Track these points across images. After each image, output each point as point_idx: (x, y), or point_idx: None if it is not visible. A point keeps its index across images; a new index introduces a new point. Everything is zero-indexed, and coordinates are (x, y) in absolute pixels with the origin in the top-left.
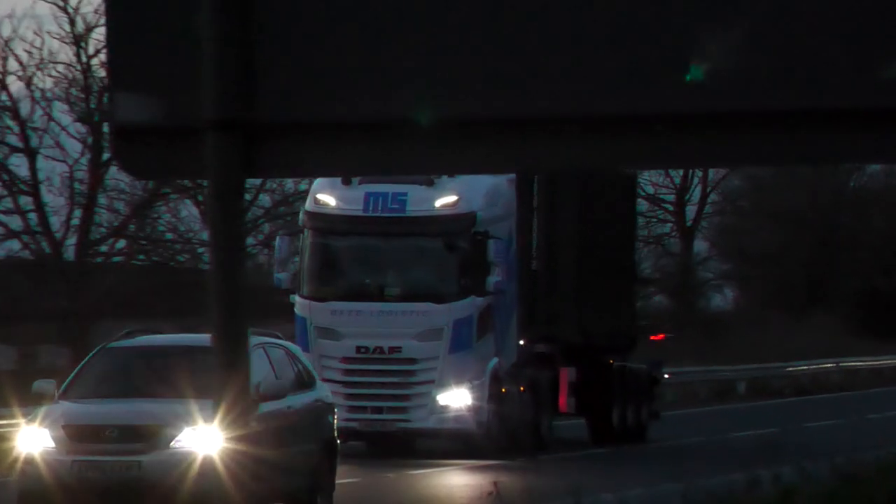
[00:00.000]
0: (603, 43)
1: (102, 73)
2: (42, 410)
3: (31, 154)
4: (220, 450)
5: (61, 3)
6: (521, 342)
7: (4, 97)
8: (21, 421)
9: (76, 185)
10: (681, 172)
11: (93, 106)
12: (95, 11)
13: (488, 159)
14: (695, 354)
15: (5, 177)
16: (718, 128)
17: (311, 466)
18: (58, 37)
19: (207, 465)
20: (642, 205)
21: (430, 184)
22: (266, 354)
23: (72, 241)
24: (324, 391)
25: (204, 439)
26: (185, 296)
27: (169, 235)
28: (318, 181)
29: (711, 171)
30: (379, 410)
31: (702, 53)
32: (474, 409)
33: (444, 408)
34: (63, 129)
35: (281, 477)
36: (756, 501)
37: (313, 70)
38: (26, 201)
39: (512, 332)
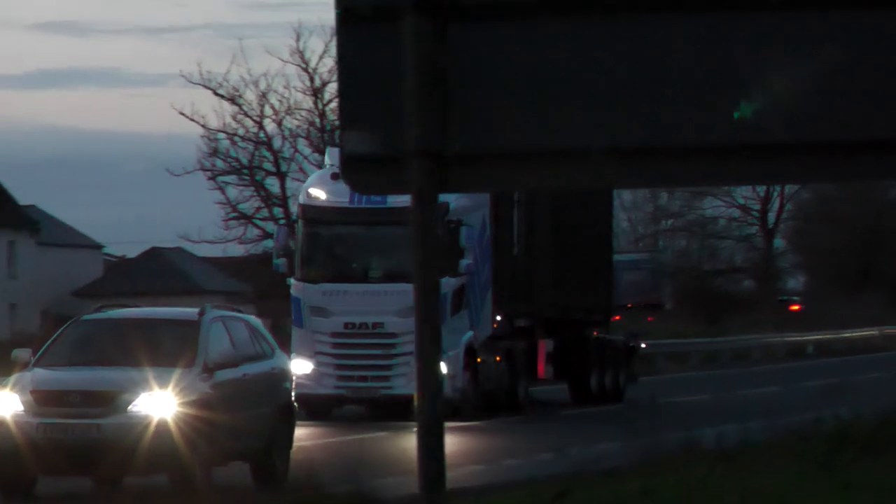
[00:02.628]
0: (674, 89)
1: (334, 116)
2: (14, 377)
3: (282, 176)
4: (173, 414)
5: (303, 65)
6: (500, 317)
7: (262, 135)
8: None
9: None
10: (765, 187)
11: (327, 140)
12: (329, 71)
13: (614, 179)
14: (774, 323)
15: (262, 193)
16: (768, 153)
17: (267, 428)
18: (301, 90)
19: (162, 427)
20: (735, 211)
21: None
22: (224, 327)
23: None
24: (281, 360)
25: (159, 404)
26: None
27: None
28: (311, 177)
29: (787, 187)
30: (364, 379)
31: (749, 95)
32: (449, 377)
33: None
34: (305, 157)
35: (238, 438)
36: (821, 434)
37: (489, 112)
38: (278, 212)
39: (487, 308)
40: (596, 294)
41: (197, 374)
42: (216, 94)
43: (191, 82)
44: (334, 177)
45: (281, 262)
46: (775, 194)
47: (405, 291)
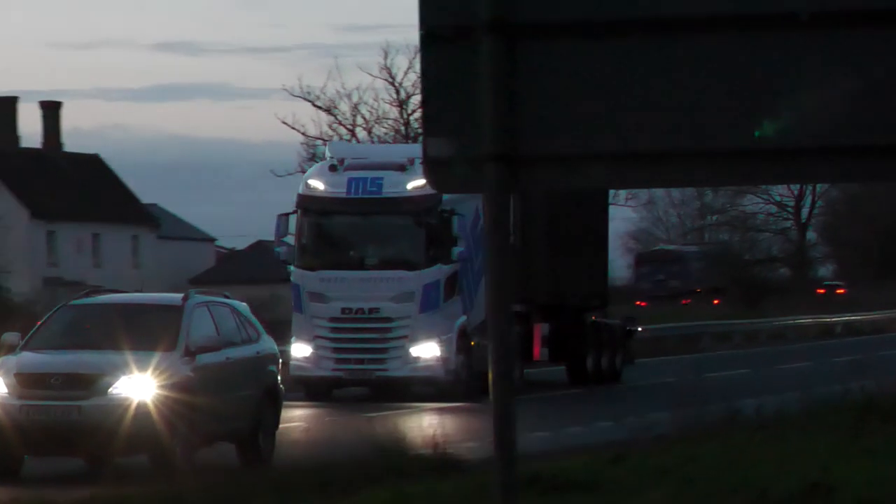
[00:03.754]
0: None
1: (418, 125)
2: (0, 360)
3: None
4: (153, 396)
5: (390, 80)
6: None
7: (354, 141)
8: None
9: None
10: (798, 186)
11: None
12: (413, 85)
13: (661, 179)
14: (807, 307)
15: None
16: (797, 157)
17: (252, 409)
18: (388, 101)
19: (141, 409)
20: (772, 207)
21: (403, 169)
22: (209, 312)
23: None
24: (267, 344)
25: (139, 386)
26: None
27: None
28: (310, 170)
29: (819, 186)
30: (361, 361)
31: (772, 114)
32: (442, 360)
33: (416, 359)
34: None
35: (222, 419)
36: (849, 405)
37: (554, 118)
38: None
39: (481, 294)
40: (592, 281)
41: (178, 357)
42: (314, 105)
43: (292, 95)
44: (332, 169)
45: (281, 250)
46: (808, 192)
47: (400, 278)
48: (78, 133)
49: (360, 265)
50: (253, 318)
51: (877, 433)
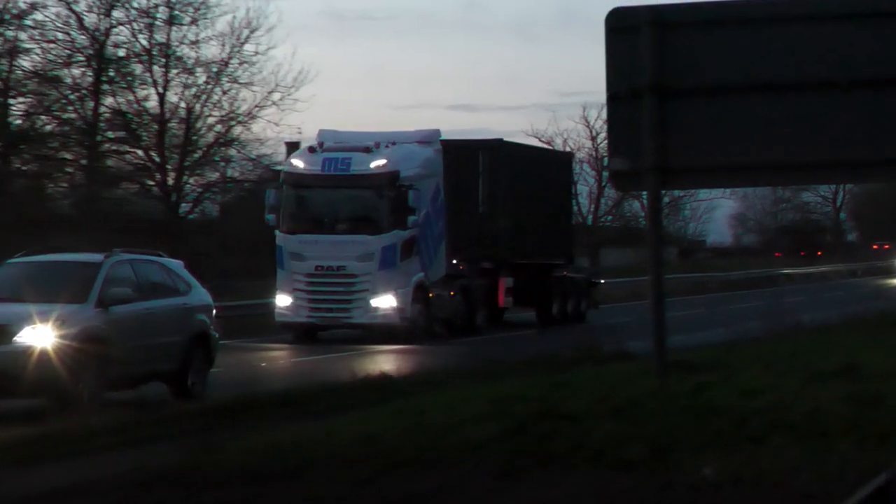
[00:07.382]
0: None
1: (604, 151)
2: None
3: (574, 185)
4: (53, 344)
5: (586, 123)
6: (459, 261)
7: None
8: None
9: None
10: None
11: (603, 165)
12: (601, 126)
13: (755, 181)
14: (841, 258)
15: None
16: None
17: (178, 353)
18: (585, 137)
19: (43, 356)
20: (818, 198)
21: (369, 151)
22: (132, 268)
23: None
24: (197, 297)
25: (40, 336)
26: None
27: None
28: (295, 152)
29: (849, 185)
30: (330, 310)
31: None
32: (398, 309)
33: (376, 308)
34: (586, 172)
35: (144, 362)
36: (868, 318)
37: (693, 144)
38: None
39: (440, 255)
40: (557, 243)
41: (89, 308)
42: (540, 140)
43: (527, 136)
44: (311, 150)
45: (271, 217)
46: (841, 189)
47: (364, 241)
48: None
49: (331, 230)
50: (184, 274)
51: (889, 334)
